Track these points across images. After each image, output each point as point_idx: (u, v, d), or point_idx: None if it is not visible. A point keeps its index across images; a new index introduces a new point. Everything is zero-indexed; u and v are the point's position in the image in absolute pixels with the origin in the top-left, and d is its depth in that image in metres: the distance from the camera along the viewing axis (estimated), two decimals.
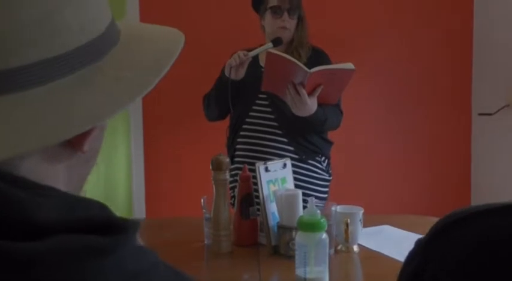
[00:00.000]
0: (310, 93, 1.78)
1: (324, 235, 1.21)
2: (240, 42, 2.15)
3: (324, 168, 2.07)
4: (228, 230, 1.48)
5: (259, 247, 1.53)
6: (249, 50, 2.02)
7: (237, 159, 2.04)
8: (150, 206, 3.01)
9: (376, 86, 2.80)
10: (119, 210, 2.98)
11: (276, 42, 1.94)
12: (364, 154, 2.91)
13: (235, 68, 1.90)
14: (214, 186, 1.49)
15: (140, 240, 0.74)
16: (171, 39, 0.53)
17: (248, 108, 2.02)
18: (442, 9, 2.85)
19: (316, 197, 1.99)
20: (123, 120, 2.95)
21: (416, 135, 2.91)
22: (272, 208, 1.49)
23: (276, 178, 1.54)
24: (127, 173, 2.98)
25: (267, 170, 1.51)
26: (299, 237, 1.21)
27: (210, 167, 1.48)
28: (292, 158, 1.96)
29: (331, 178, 2.10)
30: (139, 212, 2.99)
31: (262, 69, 2.00)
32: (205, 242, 1.55)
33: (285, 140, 1.99)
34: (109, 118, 0.44)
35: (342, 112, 2.03)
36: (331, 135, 2.10)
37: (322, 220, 1.21)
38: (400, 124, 2.91)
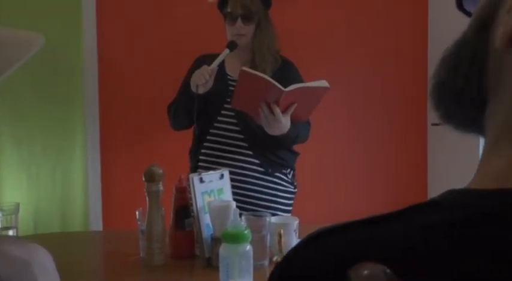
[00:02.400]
0: (283, 112, 1.74)
1: (248, 247, 1.20)
2: (199, 49, 2.12)
3: (289, 180, 2.04)
4: (162, 242, 1.46)
5: (195, 259, 1.51)
6: (205, 56, 1.99)
7: (199, 170, 1.96)
8: (107, 218, 2.97)
9: (337, 97, 2.80)
10: (75, 222, 2.93)
11: (231, 46, 1.89)
12: (326, 164, 2.91)
13: (204, 85, 1.84)
14: (147, 198, 1.47)
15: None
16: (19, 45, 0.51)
17: (213, 119, 1.96)
18: (399, 21, 2.88)
19: (280, 210, 1.98)
20: (79, 132, 2.91)
21: (377, 145, 2.92)
22: (206, 220, 1.47)
23: (212, 189, 1.53)
24: (83, 184, 2.93)
25: (201, 181, 1.49)
26: (223, 249, 1.20)
27: (143, 179, 1.46)
28: (257, 171, 1.96)
29: (296, 190, 2.06)
30: (95, 224, 2.94)
31: (229, 77, 1.98)
32: (141, 255, 1.53)
33: (250, 153, 1.95)
34: None
35: (309, 124, 1.99)
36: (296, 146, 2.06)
37: (245, 232, 1.19)
38: (361, 134, 2.92)
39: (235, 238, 1.18)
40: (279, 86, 1.68)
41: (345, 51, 2.88)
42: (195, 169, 1.98)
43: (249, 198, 1.93)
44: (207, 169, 1.91)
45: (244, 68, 1.73)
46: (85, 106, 2.89)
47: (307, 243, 0.43)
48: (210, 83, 1.84)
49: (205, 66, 1.84)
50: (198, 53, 2.08)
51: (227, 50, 1.88)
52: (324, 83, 1.73)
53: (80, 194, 2.93)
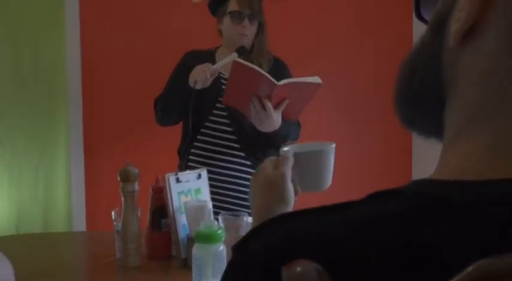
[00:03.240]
0: (275, 108, 1.69)
1: (222, 247, 1.18)
2: (182, 48, 2.07)
3: None
4: (137, 243, 1.44)
5: (171, 259, 1.49)
6: (194, 52, 1.96)
7: (189, 169, 1.93)
8: (90, 218, 2.94)
9: (328, 97, 2.79)
10: (58, 223, 2.91)
11: (241, 52, 1.83)
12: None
13: (202, 82, 1.78)
14: (122, 198, 1.45)
15: None
16: None
17: (204, 118, 1.91)
18: (390, 20, 2.88)
19: None
20: (62, 132, 2.88)
21: (370, 144, 2.92)
22: (182, 220, 1.46)
23: (189, 188, 1.51)
24: (66, 184, 2.91)
25: (178, 181, 1.48)
26: (195, 249, 1.18)
27: (118, 178, 1.45)
28: (249, 173, 1.92)
29: None
30: (79, 224, 2.92)
31: (221, 75, 1.92)
32: (117, 256, 1.51)
33: (242, 154, 1.91)
34: None
35: (299, 124, 1.96)
36: None
37: (219, 232, 1.18)
38: (353, 134, 2.91)
39: (207, 238, 1.17)
40: (272, 79, 1.64)
41: (335, 52, 2.87)
42: (185, 167, 1.92)
43: (241, 200, 1.90)
44: (198, 168, 1.85)
45: (237, 59, 1.68)
46: (68, 106, 2.87)
47: (252, 236, 0.44)
48: (209, 82, 1.79)
49: (208, 64, 1.80)
50: (181, 52, 2.05)
51: (235, 54, 1.81)
52: (317, 79, 1.68)
53: (63, 195, 2.91)
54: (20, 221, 2.82)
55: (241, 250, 0.43)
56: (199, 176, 1.56)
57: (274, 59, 1.95)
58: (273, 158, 0.94)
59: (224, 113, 1.90)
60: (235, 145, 1.90)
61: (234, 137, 1.90)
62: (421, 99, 0.46)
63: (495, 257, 0.32)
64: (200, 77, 1.75)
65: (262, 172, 0.91)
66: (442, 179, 0.40)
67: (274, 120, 1.70)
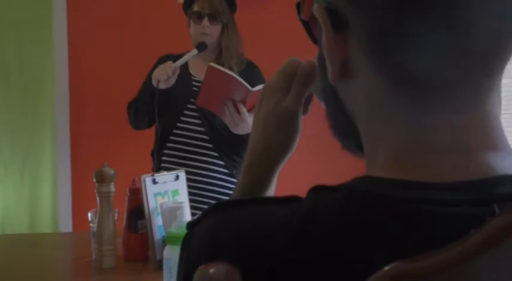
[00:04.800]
0: (249, 111, 1.73)
1: None
2: (170, 50, 2.09)
3: None
4: (112, 244, 1.43)
5: (148, 261, 1.48)
6: (167, 56, 1.98)
7: (162, 171, 1.94)
8: (77, 218, 2.93)
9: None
10: (44, 223, 2.89)
11: (200, 47, 1.88)
12: (294, 167, 2.89)
13: (165, 80, 1.82)
14: (98, 199, 1.44)
15: None
16: None
17: (176, 119, 1.94)
18: None
19: None
20: (49, 130, 2.87)
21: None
22: (159, 221, 1.45)
23: (166, 190, 1.51)
24: (52, 184, 2.89)
25: (154, 182, 1.47)
26: (166, 251, 1.17)
27: (94, 179, 1.44)
28: (222, 173, 1.95)
29: None
30: (65, 224, 2.90)
31: (192, 78, 1.97)
32: (93, 257, 1.50)
33: (215, 154, 1.93)
34: None
35: None
36: None
37: None
38: (330, 137, 2.90)
39: (178, 240, 1.15)
40: (246, 84, 1.67)
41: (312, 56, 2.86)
42: (157, 169, 1.95)
43: (214, 200, 1.91)
44: (171, 169, 1.87)
45: (212, 64, 1.72)
46: (55, 104, 2.85)
47: (197, 222, 0.48)
48: (172, 81, 1.83)
49: (169, 62, 1.83)
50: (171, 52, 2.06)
51: (195, 51, 1.87)
52: None
53: (49, 195, 2.89)
54: (5, 221, 2.81)
55: (189, 233, 0.48)
56: (177, 177, 1.55)
57: (247, 62, 1.97)
58: (286, 69, 0.62)
59: (196, 114, 1.92)
60: (208, 145, 1.92)
61: (206, 137, 1.92)
62: (344, 130, 0.52)
63: (412, 258, 0.34)
64: (162, 75, 1.79)
65: (270, 98, 0.63)
66: (376, 176, 0.42)
67: (249, 123, 1.72)
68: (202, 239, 0.46)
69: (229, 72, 1.69)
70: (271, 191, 0.65)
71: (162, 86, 1.81)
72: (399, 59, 0.40)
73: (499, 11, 0.38)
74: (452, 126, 0.41)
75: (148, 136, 2.24)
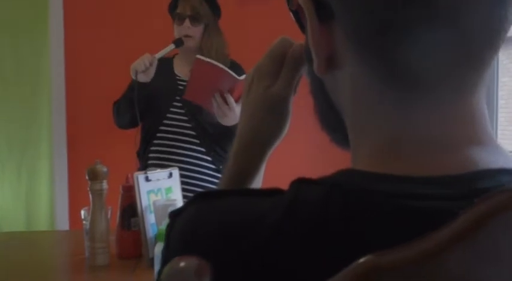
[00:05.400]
0: (236, 101, 1.75)
1: None
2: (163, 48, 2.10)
3: None
4: (105, 242, 1.43)
5: (140, 259, 1.48)
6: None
7: (150, 168, 1.97)
8: (74, 216, 2.92)
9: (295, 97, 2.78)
10: (41, 220, 2.89)
11: (177, 43, 1.92)
12: (281, 162, 2.88)
13: (144, 72, 1.86)
14: (90, 196, 1.44)
15: None
16: None
17: (162, 117, 1.97)
18: None
19: None
20: (45, 128, 2.87)
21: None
22: (151, 219, 1.45)
23: (159, 187, 1.50)
24: (49, 184, 2.89)
25: (147, 179, 1.47)
26: (157, 248, 1.17)
27: (86, 177, 1.44)
28: (209, 168, 1.97)
29: None
30: (62, 222, 2.90)
31: (177, 77, 2.01)
32: (86, 255, 1.50)
33: (202, 149, 1.96)
34: None
35: None
36: None
37: None
38: (318, 133, 2.89)
39: None
40: (233, 74, 1.70)
41: None
42: (145, 168, 1.96)
43: None
44: (159, 166, 1.90)
45: (199, 56, 1.74)
46: (51, 102, 2.85)
47: (179, 213, 0.48)
48: (151, 73, 1.86)
49: (147, 54, 1.87)
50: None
51: (172, 45, 1.91)
52: None
53: (46, 193, 2.89)
54: (2, 219, 2.80)
55: (171, 223, 0.48)
56: (171, 175, 1.55)
57: (231, 62, 1.99)
58: (276, 52, 0.60)
59: (182, 111, 1.95)
60: (195, 140, 1.95)
61: (193, 133, 1.95)
62: (332, 122, 0.51)
63: (385, 250, 0.33)
64: (140, 66, 1.82)
65: (259, 83, 0.60)
66: (359, 169, 0.42)
67: (237, 114, 1.73)
68: (183, 229, 0.46)
69: (216, 63, 1.72)
70: (260, 177, 0.65)
71: (141, 78, 1.84)
72: (385, 51, 0.40)
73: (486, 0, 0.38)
74: (437, 120, 0.41)
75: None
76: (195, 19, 1.93)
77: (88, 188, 1.44)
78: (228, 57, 2.00)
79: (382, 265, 0.34)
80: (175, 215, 0.48)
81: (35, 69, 2.83)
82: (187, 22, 1.93)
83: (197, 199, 0.48)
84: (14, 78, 2.80)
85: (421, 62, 0.39)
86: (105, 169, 1.44)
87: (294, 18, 0.51)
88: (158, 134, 1.98)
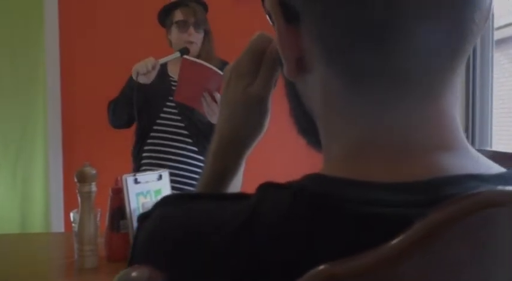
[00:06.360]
0: None
1: None
2: (159, 48, 2.11)
3: None
4: (93, 245, 1.42)
5: None
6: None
7: (144, 168, 2.01)
8: (68, 219, 2.91)
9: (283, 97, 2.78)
10: (36, 222, 2.88)
11: (183, 51, 1.94)
12: (272, 161, 2.89)
13: (145, 74, 1.87)
14: (79, 199, 1.43)
15: None
16: None
17: (155, 116, 1.99)
18: None
19: None
20: (41, 128, 2.86)
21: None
22: None
23: (148, 190, 1.50)
24: (44, 186, 2.89)
25: (136, 181, 1.46)
26: None
27: (75, 179, 1.43)
28: (202, 168, 1.96)
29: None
30: (57, 224, 2.89)
31: (171, 78, 2.04)
32: (75, 257, 1.49)
33: (195, 149, 1.98)
34: None
35: None
36: None
37: None
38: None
39: None
40: (220, 72, 1.72)
41: None
42: (138, 168, 1.99)
43: None
44: (152, 166, 1.94)
45: (186, 57, 1.78)
46: (47, 104, 2.84)
47: (146, 215, 0.48)
48: (152, 76, 1.87)
49: (151, 58, 1.89)
50: (160, 55, 2.07)
51: (178, 53, 1.93)
52: None
53: (41, 194, 2.89)
54: None
55: (139, 226, 0.48)
56: (160, 177, 1.54)
57: (221, 62, 2.01)
58: (255, 49, 0.58)
59: (175, 110, 1.97)
60: (188, 140, 1.97)
61: (186, 132, 1.97)
62: (306, 126, 0.50)
63: (341, 259, 0.33)
64: (142, 68, 1.84)
65: (237, 83, 0.59)
66: (326, 174, 0.41)
67: None
68: (147, 233, 0.45)
69: (203, 62, 1.74)
70: (240, 176, 0.65)
71: (141, 79, 1.86)
72: (350, 54, 0.39)
73: (451, 2, 0.37)
74: (404, 126, 0.40)
75: None
76: (198, 25, 1.97)
77: (76, 191, 1.43)
78: (218, 58, 2.03)
79: (338, 274, 0.33)
80: (143, 218, 0.48)
81: (30, 72, 2.83)
82: (191, 29, 1.96)
83: (164, 203, 0.48)
84: (9, 80, 2.80)
85: (386, 67, 0.39)
86: (93, 171, 1.43)
87: (269, 20, 0.50)
88: (152, 134, 2.01)
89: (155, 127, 2.00)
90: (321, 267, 0.33)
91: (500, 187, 0.35)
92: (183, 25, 1.97)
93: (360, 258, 0.33)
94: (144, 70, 1.84)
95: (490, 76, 2.23)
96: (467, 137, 0.45)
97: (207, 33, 2.01)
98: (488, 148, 2.13)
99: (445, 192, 0.37)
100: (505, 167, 0.42)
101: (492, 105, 2.26)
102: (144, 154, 2.03)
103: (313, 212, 0.38)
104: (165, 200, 0.48)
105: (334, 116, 0.43)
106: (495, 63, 2.30)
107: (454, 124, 0.42)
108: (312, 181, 0.41)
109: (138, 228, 0.48)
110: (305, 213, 0.38)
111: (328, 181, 0.40)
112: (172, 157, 1.97)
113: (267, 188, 0.42)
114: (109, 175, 2.87)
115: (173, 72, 2.04)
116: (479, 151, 0.44)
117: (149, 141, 2.01)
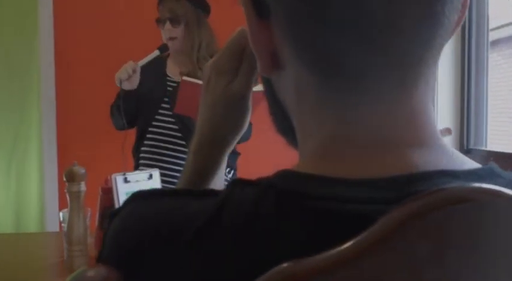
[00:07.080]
0: None
1: None
2: (154, 49, 2.10)
3: (229, 179, 2.05)
4: (83, 244, 1.41)
5: None
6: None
7: (140, 167, 2.03)
8: None
9: None
10: (31, 221, 2.87)
11: (162, 49, 1.94)
12: (268, 164, 2.87)
13: (128, 80, 1.87)
14: (68, 198, 1.42)
15: None
16: None
17: (151, 118, 2.01)
18: None
19: None
20: (35, 127, 2.85)
21: None
22: None
23: (139, 189, 1.48)
24: (39, 185, 2.88)
25: (126, 181, 1.45)
26: None
27: (64, 179, 1.42)
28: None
29: None
30: (52, 223, 2.88)
31: (168, 78, 2.04)
32: (65, 257, 1.48)
33: (188, 151, 1.98)
34: None
35: (250, 123, 2.01)
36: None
37: None
38: None
39: None
40: None
41: None
42: (136, 167, 2.01)
43: None
44: (149, 166, 1.96)
45: (185, 78, 1.77)
46: (41, 103, 2.84)
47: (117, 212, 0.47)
48: (136, 81, 1.87)
49: (130, 62, 1.88)
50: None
51: (157, 52, 1.93)
52: (261, 87, 1.73)
53: (36, 194, 2.87)
54: None
55: (109, 223, 0.47)
56: (151, 176, 1.54)
57: None
58: (235, 46, 0.57)
59: (170, 113, 1.98)
60: (182, 142, 1.97)
61: (180, 135, 1.98)
62: (281, 123, 0.50)
63: (300, 258, 0.32)
64: (123, 74, 1.83)
65: (218, 81, 0.59)
66: (296, 171, 0.41)
67: None
68: (116, 229, 0.45)
69: (202, 82, 1.73)
70: (222, 174, 0.65)
71: (125, 86, 1.86)
72: (319, 48, 0.38)
73: None
74: (375, 121, 0.40)
75: (132, 137, 2.23)
76: (174, 20, 1.95)
77: (65, 190, 1.42)
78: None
79: (299, 272, 0.32)
80: (114, 214, 0.48)
81: (24, 69, 2.82)
82: (168, 25, 1.95)
83: (134, 199, 0.47)
84: (3, 78, 2.79)
85: (357, 61, 0.38)
86: (82, 171, 1.42)
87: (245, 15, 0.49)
88: (148, 135, 2.03)
89: (151, 129, 2.02)
90: (282, 266, 0.33)
91: (464, 183, 0.34)
92: (160, 22, 1.98)
93: (320, 256, 0.32)
94: (125, 76, 1.83)
95: (485, 76, 2.22)
96: (462, 137, 0.44)
97: (188, 28, 1.95)
98: (484, 148, 2.12)
99: (414, 188, 0.36)
100: (501, 167, 0.42)
101: (487, 105, 2.25)
102: (141, 154, 2.06)
103: (279, 210, 0.37)
104: (137, 196, 0.47)
105: (307, 113, 0.42)
106: (493, 64, 2.29)
107: (427, 119, 0.41)
108: (282, 177, 0.40)
109: (108, 225, 0.48)
110: (271, 210, 0.37)
111: (296, 178, 0.40)
112: (166, 158, 1.98)
113: (236, 184, 0.41)
114: (105, 175, 2.87)
115: (171, 72, 2.05)
116: (474, 150, 0.43)
117: (146, 142, 2.04)
